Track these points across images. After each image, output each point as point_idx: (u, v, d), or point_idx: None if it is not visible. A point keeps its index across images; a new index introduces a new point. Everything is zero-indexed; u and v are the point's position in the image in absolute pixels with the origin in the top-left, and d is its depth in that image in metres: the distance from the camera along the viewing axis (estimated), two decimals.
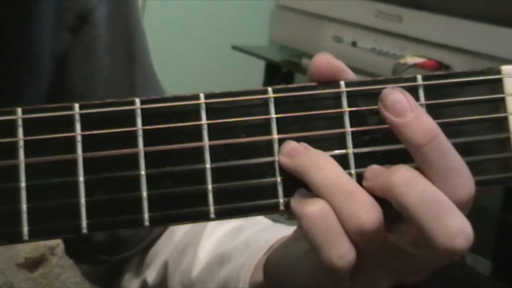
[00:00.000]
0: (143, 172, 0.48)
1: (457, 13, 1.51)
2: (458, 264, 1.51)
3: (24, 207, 0.46)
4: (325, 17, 1.81)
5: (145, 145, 0.48)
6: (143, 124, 0.48)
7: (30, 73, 0.68)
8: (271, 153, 0.49)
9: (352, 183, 0.48)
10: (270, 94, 0.49)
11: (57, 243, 0.72)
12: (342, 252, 0.47)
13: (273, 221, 0.71)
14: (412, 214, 0.46)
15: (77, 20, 0.69)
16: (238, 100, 0.49)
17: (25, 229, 0.46)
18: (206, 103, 0.49)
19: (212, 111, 0.49)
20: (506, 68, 0.51)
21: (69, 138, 0.47)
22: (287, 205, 0.49)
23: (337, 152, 0.49)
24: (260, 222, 0.70)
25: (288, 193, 0.49)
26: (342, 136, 0.49)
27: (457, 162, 0.47)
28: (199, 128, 0.48)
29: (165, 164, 0.48)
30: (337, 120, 0.50)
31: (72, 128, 0.47)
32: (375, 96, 0.49)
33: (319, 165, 0.48)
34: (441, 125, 0.47)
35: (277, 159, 0.49)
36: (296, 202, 0.48)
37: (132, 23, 0.73)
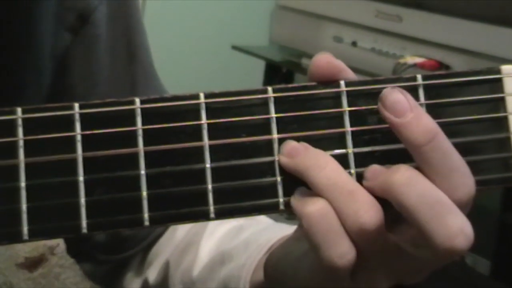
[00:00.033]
0: (143, 172, 0.48)
1: (457, 13, 1.51)
2: (457, 264, 1.51)
3: (24, 206, 0.46)
4: (325, 17, 1.81)
5: (145, 144, 0.48)
6: (143, 123, 0.48)
7: (31, 73, 0.68)
8: (271, 153, 0.49)
9: (352, 182, 0.48)
10: (270, 93, 0.49)
11: (57, 243, 0.72)
12: (342, 251, 0.47)
13: (274, 221, 0.71)
14: (412, 214, 0.46)
15: (77, 20, 0.69)
16: (238, 99, 0.49)
17: (25, 229, 0.46)
18: (206, 103, 0.49)
19: (212, 110, 0.49)
20: (506, 68, 0.50)
21: (69, 137, 0.47)
22: (287, 204, 0.49)
23: (337, 151, 0.49)
24: (261, 221, 0.70)
25: (288, 193, 0.49)
26: (342, 135, 0.49)
27: (457, 162, 0.47)
28: (199, 127, 0.48)
29: (165, 163, 0.48)
30: (337, 120, 0.50)
31: (72, 128, 0.47)
32: (375, 95, 0.49)
33: (320, 164, 0.48)
34: (441, 125, 0.47)
35: (277, 158, 0.49)
36: (296, 201, 0.48)
37: (132, 23, 0.73)
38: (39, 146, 0.47)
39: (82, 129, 0.47)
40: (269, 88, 0.49)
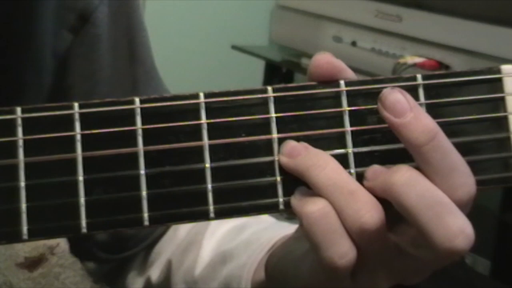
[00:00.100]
0: (142, 172, 0.48)
1: (457, 13, 1.51)
2: (457, 264, 1.51)
3: (23, 206, 0.46)
4: (325, 17, 1.81)
5: (144, 144, 0.48)
6: (143, 123, 0.48)
7: (32, 73, 0.68)
8: (270, 153, 0.49)
9: (353, 182, 0.48)
10: (270, 93, 0.49)
11: (57, 243, 0.72)
12: (342, 251, 0.47)
13: (276, 220, 0.71)
14: (412, 214, 0.46)
15: (78, 20, 0.69)
16: (238, 99, 0.49)
17: (25, 229, 0.46)
18: (205, 103, 0.49)
19: (211, 110, 0.49)
20: (506, 68, 0.50)
21: (69, 137, 0.47)
22: (287, 204, 0.49)
23: (336, 151, 0.49)
24: (262, 220, 0.70)
25: (288, 193, 0.49)
26: (342, 135, 0.49)
27: (458, 162, 0.47)
28: (198, 127, 0.48)
29: (165, 163, 0.48)
30: (337, 120, 0.50)
31: (71, 127, 0.47)
32: (374, 95, 0.49)
33: (320, 164, 0.48)
34: (441, 125, 0.47)
35: (276, 158, 0.49)
36: (296, 201, 0.48)
37: (134, 22, 0.73)
38: (39, 146, 0.47)
39: (82, 128, 0.47)
40: (269, 88, 0.49)
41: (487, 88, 0.50)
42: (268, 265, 0.58)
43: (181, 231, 0.74)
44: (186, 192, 0.48)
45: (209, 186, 0.48)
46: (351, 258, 0.47)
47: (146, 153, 0.48)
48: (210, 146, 0.48)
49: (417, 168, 0.47)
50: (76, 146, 0.47)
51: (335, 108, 0.50)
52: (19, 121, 0.47)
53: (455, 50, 1.50)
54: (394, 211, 0.47)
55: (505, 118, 0.50)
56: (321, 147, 0.49)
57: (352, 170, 0.49)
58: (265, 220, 0.70)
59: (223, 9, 2.24)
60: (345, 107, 0.50)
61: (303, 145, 0.49)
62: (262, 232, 0.67)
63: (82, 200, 0.47)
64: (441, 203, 0.46)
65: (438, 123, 0.47)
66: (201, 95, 0.49)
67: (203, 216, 0.48)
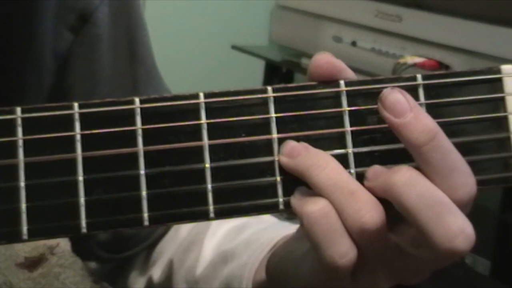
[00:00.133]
0: (142, 172, 0.48)
1: (457, 13, 1.51)
2: (457, 264, 1.52)
3: (23, 206, 0.46)
4: (325, 17, 1.80)
5: (144, 144, 0.48)
6: (143, 123, 0.48)
7: (32, 73, 0.68)
8: (270, 153, 0.49)
9: (353, 182, 0.48)
10: (270, 93, 0.49)
11: (57, 243, 0.72)
12: (343, 250, 0.47)
13: (277, 219, 0.71)
14: (412, 214, 0.46)
15: (78, 20, 0.69)
16: (238, 99, 0.49)
17: (24, 229, 0.46)
18: (205, 103, 0.49)
19: (211, 110, 0.49)
20: (506, 68, 0.50)
21: (69, 137, 0.47)
22: (286, 204, 0.49)
23: (336, 151, 0.49)
24: (263, 220, 0.70)
25: (287, 193, 0.49)
26: (342, 135, 0.49)
27: (458, 162, 0.47)
28: (198, 127, 0.48)
29: (165, 163, 0.48)
30: (337, 120, 0.50)
31: (71, 127, 0.47)
32: (374, 95, 0.49)
33: (320, 164, 0.48)
34: (441, 125, 0.47)
35: (276, 158, 0.49)
36: (296, 201, 0.48)
37: (134, 22, 0.73)
38: (39, 146, 0.47)
39: (82, 128, 0.47)
40: (269, 88, 0.49)
41: (487, 88, 0.50)
42: (269, 265, 0.58)
43: (182, 230, 0.74)
44: (186, 192, 0.48)
45: (209, 186, 0.48)
46: (352, 258, 0.47)
47: (146, 153, 0.48)
48: (210, 146, 0.48)
49: (417, 168, 0.47)
50: (76, 146, 0.47)
51: (335, 108, 0.50)
52: (19, 121, 0.47)
53: (455, 50, 1.50)
54: (395, 211, 0.47)
55: (505, 118, 0.50)
56: (321, 147, 0.49)
57: (352, 170, 0.49)
58: (266, 219, 0.70)
59: (223, 9, 2.24)
60: (345, 107, 0.50)
61: (303, 145, 0.49)
62: (263, 232, 0.67)
63: (82, 200, 0.47)
64: (441, 203, 0.46)
65: (438, 123, 0.47)
66: (201, 95, 0.49)
67: (203, 216, 0.48)
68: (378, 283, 0.50)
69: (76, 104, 0.47)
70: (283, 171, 0.49)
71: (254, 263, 0.63)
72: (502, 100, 0.50)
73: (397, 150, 0.49)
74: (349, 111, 0.49)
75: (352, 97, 0.50)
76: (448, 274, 1.48)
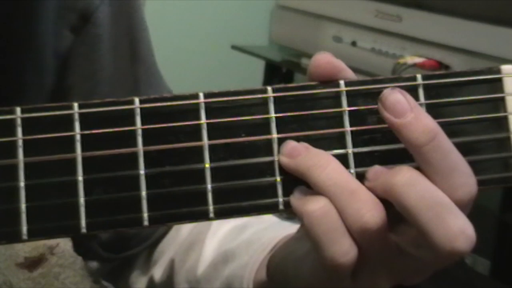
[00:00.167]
0: (142, 172, 0.48)
1: (457, 13, 1.51)
2: (457, 264, 1.51)
3: (23, 206, 0.46)
4: (325, 17, 1.81)
5: (144, 144, 0.48)
6: (142, 123, 0.48)
7: (33, 74, 0.68)
8: (270, 153, 0.49)
9: (354, 181, 0.48)
10: (270, 93, 0.49)
11: (57, 243, 0.72)
12: (344, 249, 0.47)
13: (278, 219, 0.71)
14: (412, 215, 0.46)
15: (79, 20, 0.69)
16: (238, 99, 0.49)
17: (24, 229, 0.46)
18: (205, 103, 0.49)
19: (211, 110, 0.49)
20: (506, 68, 0.50)
21: (68, 137, 0.47)
22: (286, 204, 0.49)
23: (336, 151, 0.49)
24: (264, 220, 0.70)
25: (287, 193, 0.49)
26: (342, 135, 0.49)
27: (458, 162, 0.47)
28: (198, 127, 0.48)
29: (165, 163, 0.48)
30: (337, 120, 0.49)
31: (71, 127, 0.47)
32: (374, 95, 0.49)
33: (321, 164, 0.48)
34: (441, 125, 0.47)
35: (276, 158, 0.49)
36: (296, 200, 0.48)
37: (135, 22, 0.73)
38: (38, 146, 0.47)
39: (82, 128, 0.47)
40: (269, 88, 0.49)
41: (487, 88, 0.50)
42: (270, 265, 0.58)
43: (183, 230, 0.74)
44: (186, 192, 0.48)
45: (209, 186, 0.48)
46: (352, 257, 0.47)
47: (145, 153, 0.48)
48: (210, 146, 0.48)
49: (418, 168, 0.47)
50: (75, 146, 0.47)
51: (335, 108, 0.50)
52: (19, 121, 0.47)
53: (455, 50, 1.50)
54: (395, 211, 0.47)
55: (505, 118, 0.50)
56: (321, 147, 0.49)
57: (352, 170, 0.49)
58: (267, 219, 0.70)
59: (223, 9, 2.24)
60: (345, 107, 0.49)
61: (304, 145, 0.49)
62: (264, 231, 0.67)
63: (81, 200, 0.47)
64: (442, 204, 0.46)
65: (438, 123, 0.47)
66: (201, 95, 0.49)
67: (203, 216, 0.48)
68: (378, 283, 0.50)
69: (75, 104, 0.47)
70: (283, 171, 0.49)
71: (255, 263, 0.63)
72: (502, 100, 0.50)
73: (397, 150, 0.49)
74: (349, 111, 0.49)
75: (352, 97, 0.50)
76: (448, 274, 1.48)
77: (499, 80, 0.50)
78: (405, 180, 0.46)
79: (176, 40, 2.17)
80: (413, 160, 0.48)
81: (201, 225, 0.72)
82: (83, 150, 0.47)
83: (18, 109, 0.47)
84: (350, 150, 0.49)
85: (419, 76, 0.50)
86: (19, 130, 0.47)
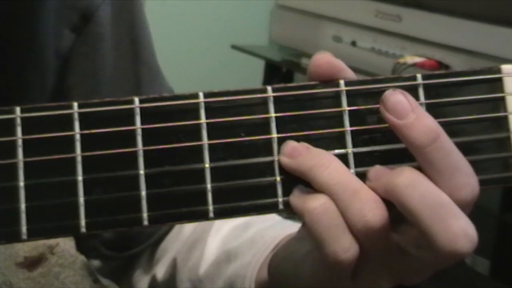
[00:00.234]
0: (142, 171, 0.47)
1: (457, 13, 1.51)
2: (457, 264, 1.51)
3: (22, 206, 0.46)
4: (325, 16, 1.80)
5: (144, 144, 0.48)
6: (142, 123, 0.48)
7: (34, 73, 0.68)
8: (270, 152, 0.49)
9: (356, 181, 0.48)
10: (270, 93, 0.49)
11: (57, 242, 0.72)
12: (346, 246, 0.47)
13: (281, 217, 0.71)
14: (414, 216, 0.46)
15: (80, 19, 0.69)
16: (237, 99, 0.49)
17: (24, 228, 0.46)
18: (205, 102, 0.49)
19: (211, 110, 0.49)
20: (506, 67, 0.50)
21: (68, 137, 0.47)
22: (286, 204, 0.48)
23: (336, 151, 0.49)
24: (267, 218, 0.70)
25: (287, 193, 0.49)
26: (342, 135, 0.49)
27: (460, 162, 0.47)
28: (198, 127, 0.48)
29: (164, 163, 0.48)
30: (337, 119, 0.49)
31: (71, 127, 0.47)
32: (374, 95, 0.49)
33: (323, 164, 0.48)
34: (441, 125, 0.47)
35: (276, 158, 0.49)
36: (296, 199, 0.48)
37: (136, 21, 0.73)
38: (38, 146, 0.47)
39: (81, 128, 0.47)
40: (269, 88, 0.49)
41: (487, 88, 0.50)
42: (271, 265, 0.58)
43: (186, 228, 0.74)
44: (185, 192, 0.48)
45: (209, 186, 0.48)
46: (354, 253, 0.47)
47: (145, 153, 0.48)
48: (210, 146, 0.48)
49: (419, 168, 0.47)
50: (75, 146, 0.47)
51: (335, 108, 0.49)
52: (18, 121, 0.47)
53: (455, 50, 1.50)
54: (396, 211, 0.47)
55: (505, 118, 0.50)
56: (321, 147, 0.49)
57: (352, 170, 0.49)
58: (270, 218, 0.70)
59: (223, 9, 2.24)
60: (345, 107, 0.49)
61: (304, 145, 0.49)
62: (266, 230, 0.67)
63: (81, 200, 0.47)
64: (444, 205, 0.46)
65: (438, 123, 0.47)
66: (201, 94, 0.49)
67: (203, 216, 0.48)
68: (378, 282, 0.50)
69: (75, 104, 0.47)
70: (283, 171, 0.49)
71: (257, 262, 0.63)
72: (502, 100, 0.50)
73: (397, 150, 0.49)
74: (349, 111, 0.49)
75: (352, 97, 0.50)
76: (448, 274, 1.48)
77: (499, 80, 0.50)
78: (407, 181, 0.46)
79: (176, 40, 2.17)
80: (413, 160, 0.48)
81: (204, 223, 0.72)
82: (82, 149, 0.47)
83: (18, 109, 0.47)
84: (350, 150, 0.49)
85: (419, 76, 0.50)
86: (19, 130, 0.47)
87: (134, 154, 0.48)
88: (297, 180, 0.48)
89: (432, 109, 0.49)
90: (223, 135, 0.49)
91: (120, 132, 0.48)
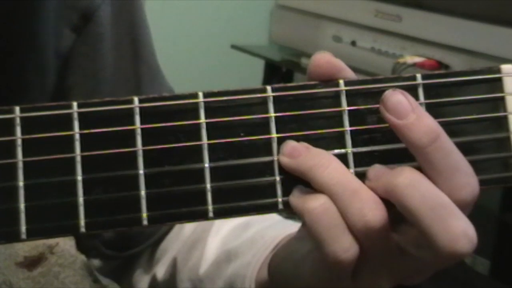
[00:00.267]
0: (141, 171, 0.47)
1: (457, 13, 1.51)
2: (457, 264, 1.51)
3: (22, 206, 0.46)
4: (325, 16, 1.80)
5: (143, 144, 0.48)
6: (142, 123, 0.48)
7: (35, 73, 0.68)
8: (270, 152, 0.49)
9: (356, 181, 0.48)
10: (269, 93, 0.49)
11: (56, 242, 0.72)
12: (346, 246, 0.47)
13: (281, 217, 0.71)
14: (414, 216, 0.46)
15: (80, 19, 0.69)
16: (237, 99, 0.49)
17: (23, 228, 0.46)
18: (204, 102, 0.49)
19: (211, 110, 0.49)
20: (505, 67, 0.50)
21: (67, 136, 0.47)
22: (286, 204, 0.48)
23: (336, 151, 0.49)
24: (267, 218, 0.70)
25: (287, 192, 0.49)
26: (341, 135, 0.49)
27: (460, 162, 0.47)
28: (197, 127, 0.48)
29: (164, 163, 0.48)
30: (336, 119, 0.49)
31: (70, 127, 0.47)
32: (374, 95, 0.49)
33: (323, 164, 0.48)
34: (441, 124, 0.47)
35: (276, 158, 0.49)
36: (296, 199, 0.48)
37: (137, 21, 0.73)
38: (37, 145, 0.47)
39: (81, 128, 0.47)
40: (268, 87, 0.49)
41: (487, 88, 0.50)
42: (271, 265, 0.58)
43: (186, 228, 0.74)
44: (185, 191, 0.48)
45: (208, 186, 0.48)
46: (354, 253, 0.47)
47: (145, 153, 0.48)
48: (209, 145, 0.48)
49: (419, 168, 0.47)
50: (75, 146, 0.47)
51: (334, 107, 0.49)
52: (18, 121, 0.47)
53: (455, 50, 1.50)
54: (396, 211, 0.47)
55: (505, 118, 0.50)
56: (321, 146, 0.49)
57: (352, 170, 0.49)
58: (270, 217, 0.70)
59: (223, 9, 2.24)
60: (345, 107, 0.49)
61: (304, 145, 0.49)
62: (266, 230, 0.67)
63: (81, 199, 0.47)
64: (444, 206, 0.46)
65: (438, 123, 0.47)
66: (200, 94, 0.49)
67: (202, 216, 0.48)
68: (378, 283, 0.50)
69: (75, 104, 0.47)
70: (283, 170, 0.49)
71: (257, 262, 0.63)
72: (502, 99, 0.50)
73: (396, 150, 0.49)
74: (349, 110, 0.49)
75: (352, 96, 0.50)
76: (448, 274, 1.48)
77: (499, 80, 0.50)
78: (407, 181, 0.46)
79: (176, 40, 2.17)
80: (413, 160, 0.48)
81: (204, 223, 0.72)
82: (82, 149, 0.47)
83: (17, 109, 0.47)
84: (349, 149, 0.49)
85: (419, 76, 0.50)
86: (18, 130, 0.47)
87: (134, 154, 0.47)
88: (297, 180, 0.48)
89: (432, 109, 0.49)
90: (223, 135, 0.49)
91: (120, 132, 0.48)
